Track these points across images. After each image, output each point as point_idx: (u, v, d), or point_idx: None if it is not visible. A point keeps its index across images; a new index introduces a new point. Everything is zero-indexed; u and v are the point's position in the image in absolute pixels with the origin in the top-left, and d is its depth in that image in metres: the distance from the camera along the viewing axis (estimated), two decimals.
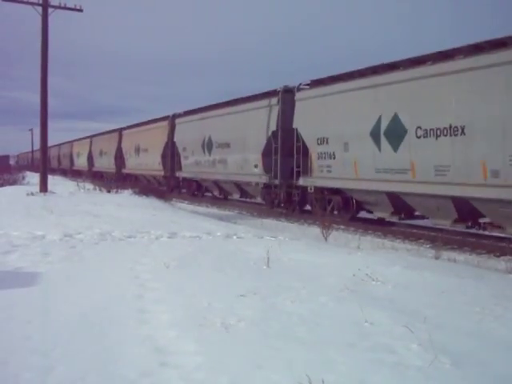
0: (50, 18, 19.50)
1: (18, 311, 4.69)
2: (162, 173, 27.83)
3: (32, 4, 19.30)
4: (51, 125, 20.58)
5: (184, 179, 26.17)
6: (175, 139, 26.27)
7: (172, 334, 4.10)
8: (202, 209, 19.86)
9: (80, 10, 19.89)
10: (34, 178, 32.00)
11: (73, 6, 19.71)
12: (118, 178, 29.89)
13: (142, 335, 4.07)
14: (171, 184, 27.28)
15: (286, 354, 3.68)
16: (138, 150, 31.91)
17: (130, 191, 19.71)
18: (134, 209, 14.42)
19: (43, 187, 19.95)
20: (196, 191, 25.31)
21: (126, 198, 17.81)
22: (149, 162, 29.74)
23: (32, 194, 18.48)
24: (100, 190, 20.85)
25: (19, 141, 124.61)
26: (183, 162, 25.25)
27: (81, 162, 47.95)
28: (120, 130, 36.28)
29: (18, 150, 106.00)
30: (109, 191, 20.25)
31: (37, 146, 50.06)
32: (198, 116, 23.78)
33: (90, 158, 44.20)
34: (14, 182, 29.42)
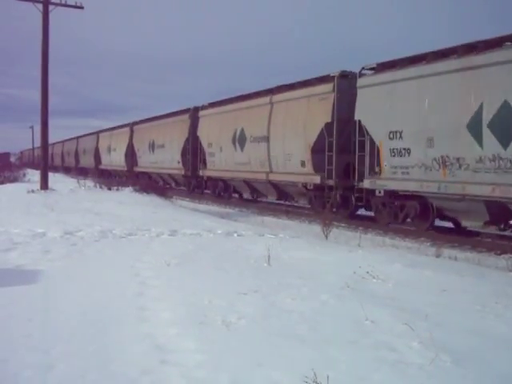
0: (51, 16, 19.50)
1: (18, 309, 4.69)
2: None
3: (33, 1, 19.27)
4: (51, 122, 20.56)
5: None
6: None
7: (172, 332, 4.10)
8: (202, 206, 19.85)
9: (81, 8, 19.87)
10: (34, 175, 32.00)
11: (73, 4, 19.70)
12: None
13: (142, 333, 4.07)
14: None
15: (287, 351, 3.68)
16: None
17: (130, 189, 19.73)
18: (135, 206, 14.42)
19: (44, 185, 19.95)
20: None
21: (126, 196, 17.81)
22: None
23: (32, 191, 18.49)
24: (101, 187, 20.87)
25: (20, 138, 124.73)
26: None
27: (114, 160, 37.68)
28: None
29: (19, 147, 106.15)
30: (109, 189, 20.29)
31: (37, 143, 49.05)
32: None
33: (130, 155, 33.67)
34: (14, 180, 29.41)
